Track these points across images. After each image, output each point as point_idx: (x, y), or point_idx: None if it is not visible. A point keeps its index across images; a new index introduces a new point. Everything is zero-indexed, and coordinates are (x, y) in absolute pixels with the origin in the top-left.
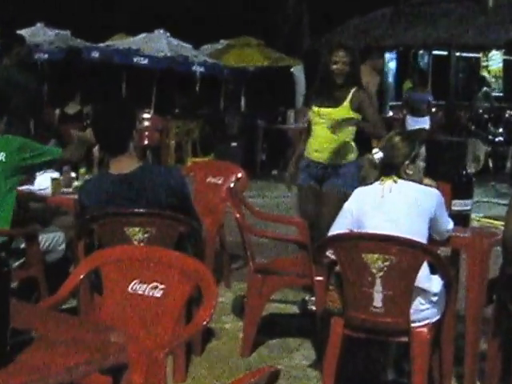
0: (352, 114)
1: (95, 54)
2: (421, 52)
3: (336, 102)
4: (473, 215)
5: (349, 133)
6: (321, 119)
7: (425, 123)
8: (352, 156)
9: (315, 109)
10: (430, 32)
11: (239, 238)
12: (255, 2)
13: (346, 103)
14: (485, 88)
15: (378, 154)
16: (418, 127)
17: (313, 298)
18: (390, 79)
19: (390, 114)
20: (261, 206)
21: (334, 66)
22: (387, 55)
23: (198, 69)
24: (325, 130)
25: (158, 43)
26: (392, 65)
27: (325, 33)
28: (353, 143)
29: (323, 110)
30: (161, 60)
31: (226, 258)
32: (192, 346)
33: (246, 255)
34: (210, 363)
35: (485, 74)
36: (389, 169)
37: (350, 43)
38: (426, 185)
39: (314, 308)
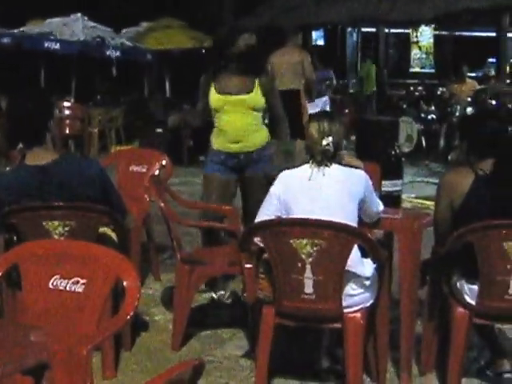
0: (263, 100)
1: (7, 40)
2: (349, 29)
3: (247, 89)
4: (405, 196)
5: (259, 117)
6: (233, 107)
7: (324, 105)
8: (266, 139)
9: (222, 97)
10: (356, 8)
11: None
12: None
13: (256, 89)
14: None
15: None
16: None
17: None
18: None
19: None
20: (189, 194)
21: (237, 51)
22: (315, 33)
23: (114, 53)
24: (239, 118)
25: (74, 27)
26: (320, 43)
27: (249, 12)
28: (264, 126)
29: (234, 98)
30: (73, 44)
31: (153, 249)
32: (121, 340)
33: (172, 244)
34: (141, 357)
35: (416, 50)
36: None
37: (278, 22)
38: (352, 166)
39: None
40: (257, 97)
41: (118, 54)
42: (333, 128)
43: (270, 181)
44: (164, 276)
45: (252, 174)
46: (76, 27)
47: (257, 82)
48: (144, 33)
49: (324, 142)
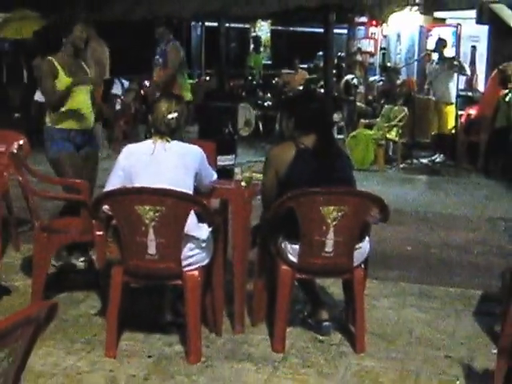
0: None
1: None
2: (193, 24)
3: (85, 71)
4: (238, 170)
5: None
6: (78, 87)
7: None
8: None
9: (68, 79)
10: (200, 4)
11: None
12: None
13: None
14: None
15: None
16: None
17: None
18: None
19: None
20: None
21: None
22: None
23: None
24: (84, 97)
25: None
26: None
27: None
28: None
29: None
30: None
31: (13, 222)
32: None
33: (30, 216)
34: (2, 318)
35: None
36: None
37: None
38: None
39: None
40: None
41: None
42: (178, 107)
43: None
44: (24, 247)
45: (92, 151)
46: None
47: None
48: (2, 23)
49: (169, 116)
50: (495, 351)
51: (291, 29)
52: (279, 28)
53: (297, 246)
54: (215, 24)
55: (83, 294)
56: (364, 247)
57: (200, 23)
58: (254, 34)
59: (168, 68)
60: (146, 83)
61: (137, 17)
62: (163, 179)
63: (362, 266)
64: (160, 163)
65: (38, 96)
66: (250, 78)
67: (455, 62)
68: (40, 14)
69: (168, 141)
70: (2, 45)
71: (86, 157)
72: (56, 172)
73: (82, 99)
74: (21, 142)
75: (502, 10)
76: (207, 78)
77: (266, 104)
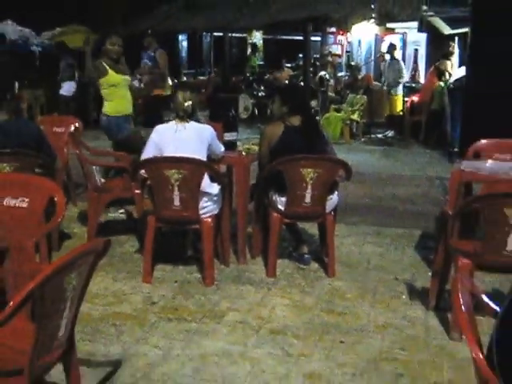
0: None
1: None
2: (204, 34)
3: (127, 71)
4: (239, 143)
5: None
6: (122, 82)
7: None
8: None
9: (118, 76)
10: (209, 21)
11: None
12: None
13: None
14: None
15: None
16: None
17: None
18: (184, 55)
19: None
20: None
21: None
22: (180, 37)
23: (37, 49)
24: (126, 89)
25: (5, 30)
26: (184, 44)
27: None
28: None
29: (121, 77)
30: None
31: (71, 185)
32: (51, 244)
33: (85, 180)
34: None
35: (250, 48)
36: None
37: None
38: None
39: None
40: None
41: (39, 49)
42: (192, 96)
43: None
44: (80, 204)
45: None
46: (7, 30)
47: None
48: (58, 35)
49: (186, 104)
50: (430, 274)
51: (279, 37)
52: (270, 36)
53: (284, 199)
54: (221, 34)
55: (126, 237)
56: (334, 199)
57: (209, 34)
58: (250, 41)
59: (159, 68)
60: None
61: (161, 31)
62: (184, 150)
63: (332, 212)
64: (181, 138)
65: (64, 90)
66: (248, 74)
67: (399, 64)
68: (89, 28)
69: (187, 121)
70: (60, 51)
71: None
72: (128, 148)
73: (124, 91)
74: (76, 125)
75: (437, 21)
76: (214, 75)
77: (259, 94)
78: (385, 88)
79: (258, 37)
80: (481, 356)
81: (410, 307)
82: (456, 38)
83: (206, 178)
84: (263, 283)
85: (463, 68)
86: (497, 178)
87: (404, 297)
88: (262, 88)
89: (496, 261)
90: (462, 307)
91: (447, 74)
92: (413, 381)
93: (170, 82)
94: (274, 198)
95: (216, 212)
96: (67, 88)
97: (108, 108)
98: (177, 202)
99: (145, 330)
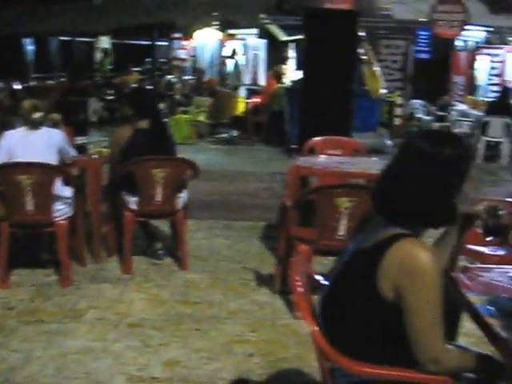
0: None
1: None
2: (50, 38)
3: None
4: (91, 146)
5: None
6: None
7: None
8: None
9: None
10: (56, 23)
11: None
12: None
13: None
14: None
15: None
16: None
17: None
18: (31, 59)
19: None
20: None
21: None
22: (27, 40)
23: None
24: None
25: None
26: (31, 48)
27: None
28: None
29: None
30: None
31: None
32: None
33: None
34: None
35: (99, 53)
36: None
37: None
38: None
39: None
40: None
41: None
42: (41, 106)
43: None
44: None
45: None
46: None
47: None
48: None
49: (36, 115)
50: (275, 261)
51: (127, 41)
52: (118, 41)
53: (136, 198)
54: (69, 38)
55: None
56: (183, 196)
57: (57, 38)
58: (98, 46)
59: None
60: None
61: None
62: (34, 155)
63: (183, 209)
64: (31, 143)
65: None
66: (97, 78)
67: (240, 68)
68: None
69: (37, 128)
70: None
71: None
72: None
73: None
74: None
75: (274, 29)
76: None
77: (109, 98)
78: (229, 90)
79: (106, 41)
80: (316, 328)
81: (258, 292)
82: (293, 44)
83: (58, 182)
84: (120, 280)
85: (300, 71)
86: (328, 171)
87: (252, 283)
88: (111, 91)
89: (330, 245)
90: (298, 288)
91: (284, 77)
92: (262, 359)
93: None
94: (126, 197)
95: (70, 214)
96: None
97: None
98: (30, 207)
99: (4, 335)
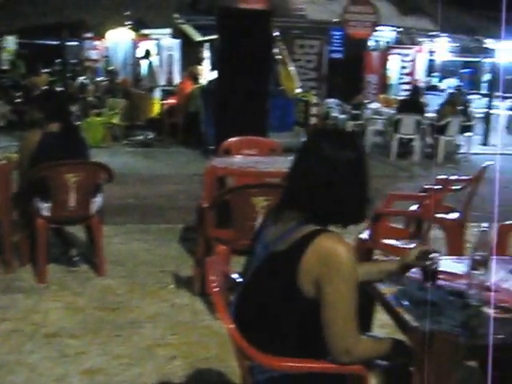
0: None
1: None
2: None
3: None
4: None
5: None
6: None
7: None
8: None
9: None
10: None
11: None
12: None
13: None
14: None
15: None
16: None
17: None
18: None
19: None
20: None
21: None
22: None
23: None
24: None
25: None
26: None
27: None
28: None
29: None
30: None
31: None
32: None
33: None
34: None
35: (6, 53)
36: None
37: None
38: None
39: None
40: None
41: None
42: None
43: None
44: None
45: None
46: None
47: None
48: None
49: None
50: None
51: (35, 41)
52: (26, 41)
53: (48, 204)
54: None
55: None
56: (98, 201)
57: None
58: (4, 46)
59: None
60: None
61: None
62: None
63: (98, 214)
64: None
65: None
66: (4, 80)
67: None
68: None
69: None
70: None
71: None
72: None
73: None
74: None
75: (188, 29)
76: None
77: (17, 101)
78: (143, 92)
79: (11, 41)
80: (232, 326)
81: (177, 295)
82: (208, 44)
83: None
84: (34, 290)
85: (215, 72)
86: (244, 171)
87: (171, 286)
88: (20, 94)
89: (248, 245)
90: (215, 287)
91: (200, 77)
92: (184, 360)
93: None
94: (37, 204)
95: None
96: None
97: None
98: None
99: None
